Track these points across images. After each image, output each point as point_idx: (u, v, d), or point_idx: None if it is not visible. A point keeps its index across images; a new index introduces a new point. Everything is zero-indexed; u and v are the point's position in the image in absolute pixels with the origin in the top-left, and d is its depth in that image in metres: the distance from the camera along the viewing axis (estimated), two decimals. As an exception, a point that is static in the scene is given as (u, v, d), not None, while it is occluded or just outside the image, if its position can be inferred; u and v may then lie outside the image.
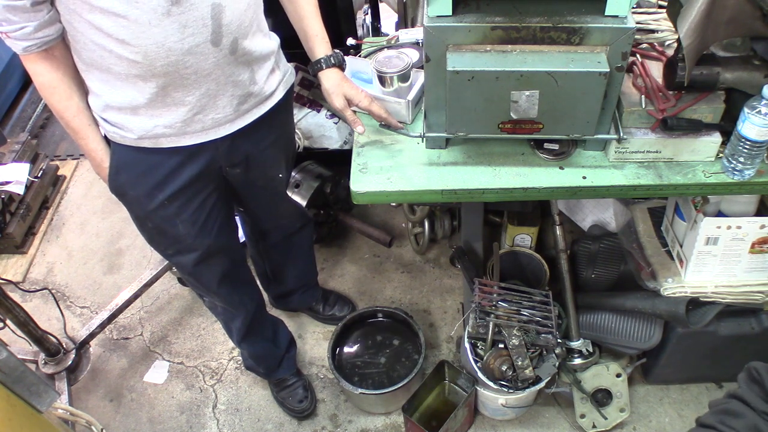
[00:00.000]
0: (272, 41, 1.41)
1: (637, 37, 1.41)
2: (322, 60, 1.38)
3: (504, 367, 1.70)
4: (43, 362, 2.09)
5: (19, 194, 2.63)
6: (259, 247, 1.97)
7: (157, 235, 1.52)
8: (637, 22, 1.38)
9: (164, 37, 1.15)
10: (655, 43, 1.43)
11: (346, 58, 1.57)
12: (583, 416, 1.88)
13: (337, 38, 2.19)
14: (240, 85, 1.32)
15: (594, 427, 1.89)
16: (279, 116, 1.49)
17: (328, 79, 1.37)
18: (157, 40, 1.15)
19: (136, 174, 1.37)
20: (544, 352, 1.74)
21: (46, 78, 1.23)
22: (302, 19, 1.41)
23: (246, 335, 1.88)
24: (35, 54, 1.19)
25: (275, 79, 1.43)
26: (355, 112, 1.38)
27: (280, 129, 1.54)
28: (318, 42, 1.40)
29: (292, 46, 1.51)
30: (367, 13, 2.39)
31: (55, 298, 2.24)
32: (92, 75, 1.25)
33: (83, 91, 1.29)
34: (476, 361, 1.76)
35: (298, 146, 2.33)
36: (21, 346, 2.12)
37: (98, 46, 1.16)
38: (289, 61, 1.53)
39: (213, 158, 1.41)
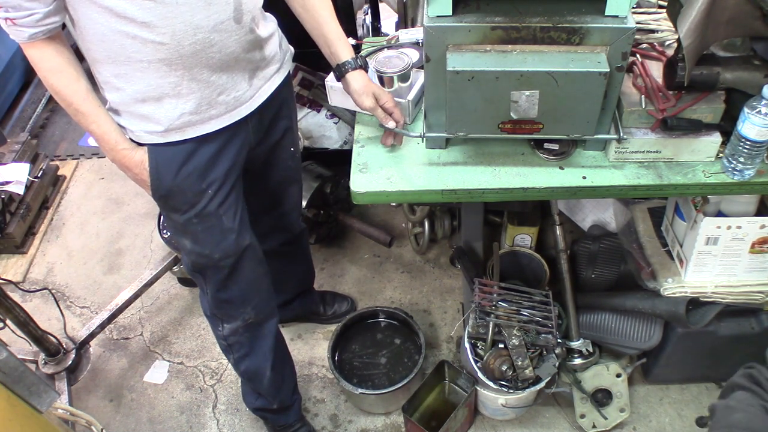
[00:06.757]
0: (271, 23, 1.42)
1: (637, 37, 1.41)
2: (348, 63, 1.39)
3: (504, 367, 1.71)
4: (43, 362, 2.09)
5: (19, 194, 2.64)
6: None
7: (204, 235, 1.46)
8: (637, 22, 1.38)
9: (191, 14, 1.16)
10: (655, 43, 1.44)
11: None
12: (583, 416, 1.88)
13: (337, 38, 2.19)
14: (253, 62, 1.35)
15: (594, 427, 1.89)
16: (285, 90, 1.52)
17: (356, 80, 1.38)
18: (185, 18, 1.16)
19: (177, 167, 1.35)
20: (544, 352, 1.74)
21: (53, 62, 1.20)
22: (321, 25, 1.41)
23: (277, 357, 1.78)
24: (40, 40, 1.17)
25: (278, 56, 1.45)
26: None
27: (290, 103, 1.59)
28: (341, 45, 1.41)
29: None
30: (367, 13, 2.39)
31: (55, 298, 2.23)
32: (108, 69, 1.23)
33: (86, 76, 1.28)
34: (476, 361, 1.76)
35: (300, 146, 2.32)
36: (21, 346, 2.12)
37: (119, 34, 1.16)
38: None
39: (244, 142, 1.43)
